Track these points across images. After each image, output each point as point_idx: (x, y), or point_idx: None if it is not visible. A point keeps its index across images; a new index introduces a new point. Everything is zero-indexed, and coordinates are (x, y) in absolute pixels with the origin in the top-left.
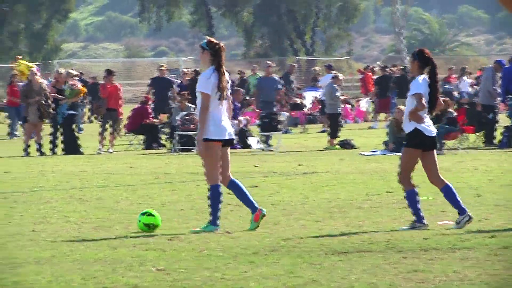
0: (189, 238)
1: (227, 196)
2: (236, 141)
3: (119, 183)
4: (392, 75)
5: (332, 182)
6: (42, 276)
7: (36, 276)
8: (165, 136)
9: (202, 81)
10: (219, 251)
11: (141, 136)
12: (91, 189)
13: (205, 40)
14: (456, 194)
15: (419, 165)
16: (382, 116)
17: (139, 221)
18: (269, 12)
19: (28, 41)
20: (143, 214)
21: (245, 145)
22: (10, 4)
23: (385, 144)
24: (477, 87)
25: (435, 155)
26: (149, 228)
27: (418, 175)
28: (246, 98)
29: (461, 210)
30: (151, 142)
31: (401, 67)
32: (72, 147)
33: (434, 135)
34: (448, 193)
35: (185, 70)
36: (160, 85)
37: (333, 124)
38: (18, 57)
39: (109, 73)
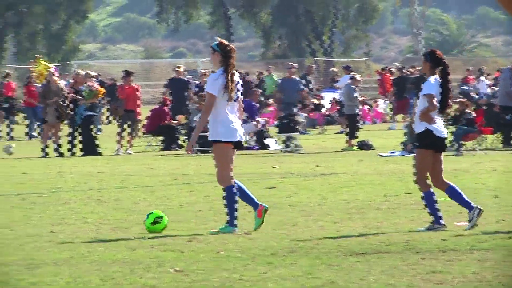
0: (207, 239)
1: None
2: (254, 142)
3: (137, 184)
4: (409, 76)
5: (350, 183)
6: (60, 277)
7: (54, 277)
8: (183, 137)
9: (209, 82)
10: (237, 252)
11: (159, 137)
12: (109, 190)
13: (215, 42)
14: (461, 192)
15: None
16: (400, 117)
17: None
18: (287, 13)
19: (46, 42)
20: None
21: (263, 146)
22: (28, 5)
23: (403, 145)
24: (495, 88)
25: (442, 158)
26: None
27: None
28: (261, 99)
29: (469, 206)
30: (169, 143)
31: (419, 68)
32: (90, 148)
33: (445, 136)
34: (454, 193)
35: (203, 71)
36: (176, 86)
37: (351, 125)
38: (38, 56)
39: (127, 74)
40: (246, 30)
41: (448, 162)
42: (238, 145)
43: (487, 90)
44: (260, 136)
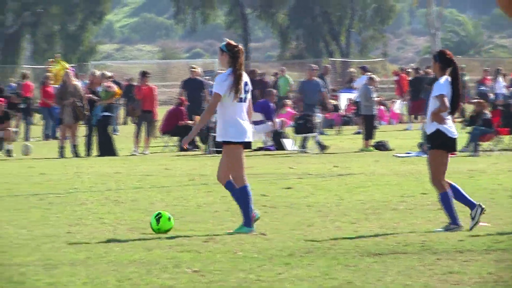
0: (224, 240)
1: (262, 198)
2: (271, 143)
3: (154, 185)
4: (425, 76)
5: (367, 183)
6: (77, 277)
7: (71, 277)
8: (200, 137)
9: (217, 82)
10: (254, 253)
11: (176, 138)
12: (126, 190)
13: (224, 43)
14: (462, 190)
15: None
16: (418, 117)
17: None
18: (304, 14)
19: (63, 43)
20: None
21: (279, 146)
22: (45, 6)
23: (420, 145)
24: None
25: (449, 159)
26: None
27: (452, 177)
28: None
29: (471, 204)
30: None
31: None
32: (107, 149)
33: (456, 136)
34: (455, 193)
35: (220, 71)
36: (192, 86)
37: (368, 125)
38: (57, 55)
39: (144, 74)
40: (263, 30)
41: (465, 163)
42: (247, 146)
43: (504, 91)
44: (277, 137)
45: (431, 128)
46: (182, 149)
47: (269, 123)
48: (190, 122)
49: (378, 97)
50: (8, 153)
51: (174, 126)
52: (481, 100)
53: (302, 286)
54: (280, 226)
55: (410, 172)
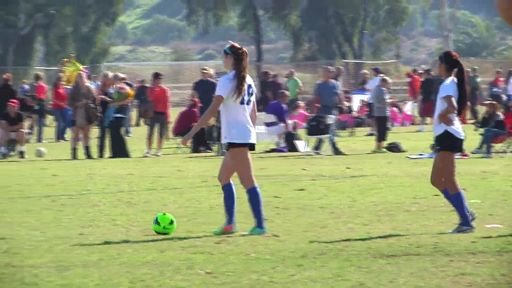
0: (237, 241)
1: (275, 200)
2: (283, 144)
3: (167, 186)
4: (437, 78)
5: (380, 185)
6: (89, 279)
7: (83, 279)
8: (213, 139)
9: (220, 84)
10: (266, 254)
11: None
12: (138, 192)
13: (228, 45)
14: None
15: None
16: (430, 119)
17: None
18: (317, 15)
19: (76, 44)
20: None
21: (292, 148)
22: (57, 7)
23: (433, 147)
24: None
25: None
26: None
27: (465, 178)
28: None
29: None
30: (199, 145)
31: None
32: (119, 150)
33: (463, 137)
34: (448, 195)
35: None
36: (203, 88)
37: (381, 127)
38: (72, 56)
39: (157, 76)
40: (275, 32)
41: (478, 164)
42: (251, 148)
43: None
44: (290, 138)
45: (439, 129)
46: (194, 151)
47: (282, 124)
48: None
49: (390, 98)
50: (21, 154)
51: (187, 128)
52: (494, 102)
53: None
54: (293, 228)
55: (423, 174)
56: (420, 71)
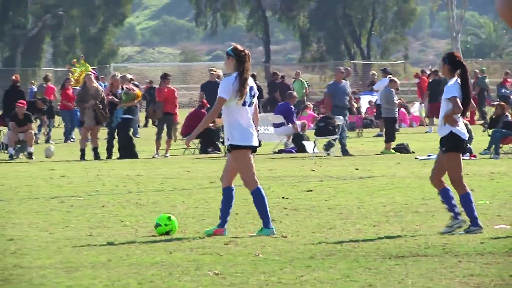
0: (245, 242)
1: (283, 201)
2: (291, 145)
3: (175, 187)
4: (444, 79)
5: (388, 186)
6: (98, 280)
7: (92, 280)
8: (221, 140)
9: (222, 86)
10: (275, 255)
11: (197, 140)
12: (147, 193)
13: (230, 47)
14: (453, 198)
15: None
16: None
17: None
18: (325, 16)
19: (84, 45)
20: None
21: (301, 149)
22: (66, 9)
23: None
24: None
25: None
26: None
27: (473, 179)
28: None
29: (455, 214)
30: (207, 146)
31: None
32: (128, 151)
33: (466, 138)
34: (446, 197)
35: None
36: (211, 89)
37: (389, 128)
38: (82, 57)
39: (165, 77)
40: (284, 33)
41: (486, 165)
42: (253, 149)
43: None
44: (298, 139)
45: (444, 130)
46: (203, 152)
47: (290, 125)
48: (211, 124)
49: (399, 99)
50: (29, 155)
51: None
52: (502, 103)
53: None
54: (301, 229)
55: None
56: (428, 72)
